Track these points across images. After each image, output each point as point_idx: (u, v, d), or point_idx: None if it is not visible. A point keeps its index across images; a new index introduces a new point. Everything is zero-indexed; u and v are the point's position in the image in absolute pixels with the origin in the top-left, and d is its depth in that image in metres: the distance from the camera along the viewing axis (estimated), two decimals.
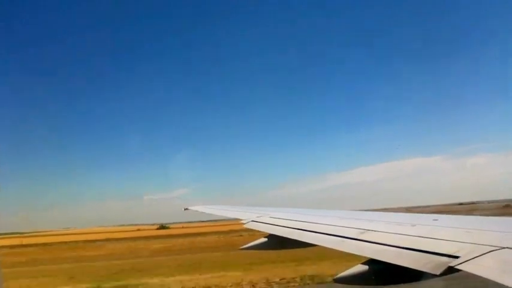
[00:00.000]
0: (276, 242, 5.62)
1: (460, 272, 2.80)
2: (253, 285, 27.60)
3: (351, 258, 3.94)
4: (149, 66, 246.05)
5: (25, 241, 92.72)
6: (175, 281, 30.53)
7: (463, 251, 2.94)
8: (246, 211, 8.16)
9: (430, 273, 2.90)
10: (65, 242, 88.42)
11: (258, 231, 6.41)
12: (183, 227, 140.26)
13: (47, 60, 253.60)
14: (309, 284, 27.31)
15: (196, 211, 11.81)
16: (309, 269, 30.76)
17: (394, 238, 3.82)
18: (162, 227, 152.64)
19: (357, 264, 3.72)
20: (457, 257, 2.88)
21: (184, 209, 12.38)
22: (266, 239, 5.82)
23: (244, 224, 7.07)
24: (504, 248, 2.79)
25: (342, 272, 3.74)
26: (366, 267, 3.62)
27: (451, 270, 2.82)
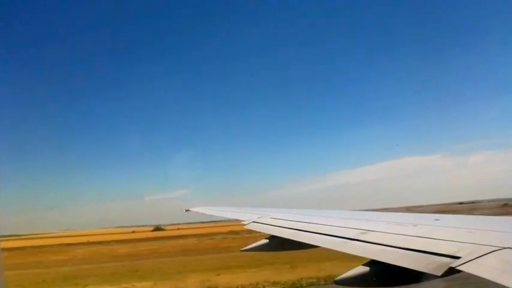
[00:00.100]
0: (277, 244, 5.60)
1: (461, 273, 2.80)
2: None
3: (349, 259, 3.96)
4: (149, 67, 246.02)
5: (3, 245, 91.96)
6: None
7: (464, 252, 2.94)
8: (247, 212, 8.15)
9: (431, 274, 2.89)
10: (39, 246, 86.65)
11: (258, 232, 6.41)
12: (178, 229, 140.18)
13: (47, 60, 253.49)
14: None
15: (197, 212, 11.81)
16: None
17: (395, 239, 3.82)
18: (158, 228, 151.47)
19: (358, 265, 3.72)
20: (458, 258, 2.88)
21: (186, 211, 12.36)
22: (267, 240, 5.82)
23: (245, 225, 7.06)
24: (506, 248, 2.79)
25: (342, 273, 3.74)
26: (367, 269, 3.62)
27: (452, 271, 2.81)
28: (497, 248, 2.81)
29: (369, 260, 3.70)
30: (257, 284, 29.91)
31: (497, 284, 2.37)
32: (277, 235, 5.64)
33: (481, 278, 2.51)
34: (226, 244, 66.06)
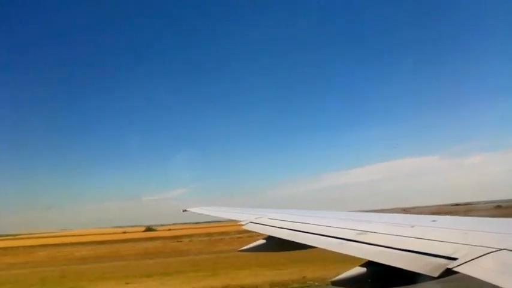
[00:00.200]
0: (275, 244, 5.60)
1: (457, 274, 2.81)
2: None
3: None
4: (148, 67, 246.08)
5: None
6: None
7: (461, 253, 2.95)
8: (244, 212, 8.15)
9: (428, 275, 2.90)
10: (5, 248, 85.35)
11: (255, 232, 6.41)
12: (170, 229, 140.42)
13: (47, 60, 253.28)
14: None
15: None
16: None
17: (392, 240, 3.82)
18: (149, 229, 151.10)
19: (355, 266, 3.73)
20: (455, 259, 2.89)
21: (183, 211, 12.32)
22: (265, 241, 5.81)
23: (242, 225, 7.06)
24: (502, 249, 2.80)
25: (339, 274, 3.75)
26: (363, 270, 3.62)
27: (448, 272, 2.82)
28: (494, 250, 2.82)
29: (365, 261, 3.71)
30: None
31: (494, 285, 2.38)
32: (275, 235, 5.64)
33: (478, 279, 2.52)
34: (189, 247, 66.65)
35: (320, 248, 4.57)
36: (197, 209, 11.71)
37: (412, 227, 4.17)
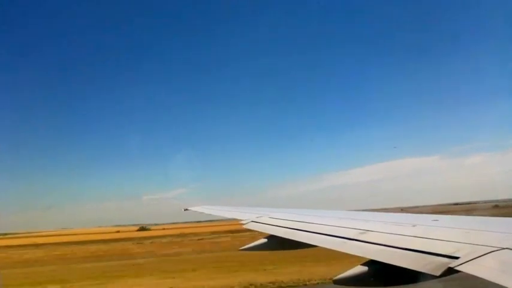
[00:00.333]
0: (276, 243, 5.61)
1: (459, 273, 2.82)
2: None
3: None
4: (148, 68, 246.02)
5: None
6: None
7: (462, 252, 2.96)
8: (246, 212, 8.16)
9: (429, 274, 2.91)
10: None
11: (256, 231, 6.42)
12: (164, 229, 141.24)
13: (46, 60, 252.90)
14: None
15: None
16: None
17: (394, 239, 3.83)
18: (143, 228, 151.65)
19: (357, 265, 3.74)
20: (456, 258, 2.90)
21: (184, 210, 12.36)
22: (266, 240, 5.83)
23: (243, 224, 7.07)
24: (504, 248, 2.81)
25: (341, 273, 3.76)
26: (365, 268, 3.63)
27: (450, 271, 2.83)
28: (495, 249, 2.83)
29: (367, 260, 3.72)
30: None
31: (496, 284, 2.39)
32: (276, 234, 5.65)
33: (480, 278, 2.53)
34: (144, 249, 67.09)
35: (321, 247, 4.59)
36: (198, 208, 11.74)
37: (413, 226, 4.18)
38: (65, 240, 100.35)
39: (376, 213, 6.33)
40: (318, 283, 28.56)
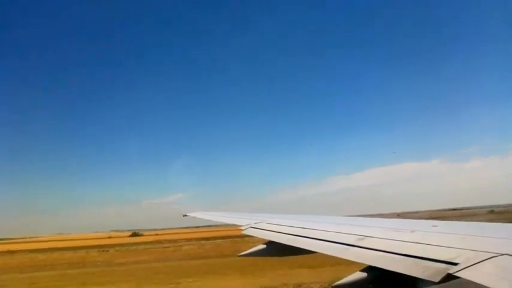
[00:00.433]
0: (275, 249, 5.60)
1: (459, 279, 2.82)
2: None
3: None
4: (149, 73, 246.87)
5: None
6: None
7: (462, 258, 2.96)
8: (245, 217, 8.15)
9: (429, 280, 2.91)
10: None
11: (254, 237, 6.41)
12: (156, 234, 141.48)
13: (48, 64, 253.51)
14: None
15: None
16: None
17: (393, 245, 3.83)
18: (135, 234, 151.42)
19: (356, 271, 3.74)
20: (456, 264, 2.90)
21: (183, 216, 12.33)
22: (265, 246, 5.82)
23: (242, 230, 7.06)
24: (503, 254, 2.81)
25: (340, 279, 3.76)
26: (364, 274, 3.63)
27: (449, 277, 2.83)
28: (495, 255, 2.83)
29: (366, 266, 3.72)
30: None
31: None
32: (275, 240, 5.65)
33: (479, 284, 2.53)
34: (103, 258, 65.44)
35: (320, 253, 4.59)
36: (197, 214, 11.71)
37: (412, 232, 4.18)
38: (38, 247, 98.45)
39: (375, 219, 6.33)
40: None
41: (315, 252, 4.73)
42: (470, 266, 2.79)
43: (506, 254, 2.80)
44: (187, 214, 12.21)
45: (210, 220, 10.49)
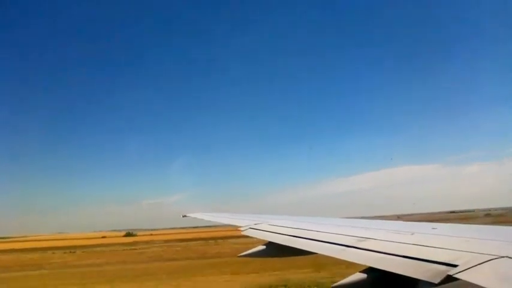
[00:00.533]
0: (275, 250, 5.62)
1: (458, 281, 2.83)
2: None
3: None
4: (149, 73, 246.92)
5: None
6: None
7: (461, 260, 2.97)
8: (245, 218, 8.16)
9: (428, 282, 2.93)
10: None
11: (256, 238, 6.41)
12: (151, 234, 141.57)
13: (47, 63, 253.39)
14: None
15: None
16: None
17: (393, 246, 3.84)
18: (129, 234, 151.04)
19: (356, 272, 3.75)
20: (455, 266, 2.91)
21: (183, 216, 12.32)
22: (265, 247, 5.83)
23: (242, 231, 7.07)
24: (503, 257, 2.83)
25: (340, 280, 3.77)
26: (364, 276, 3.64)
27: (449, 279, 2.84)
28: (494, 257, 2.85)
29: (366, 267, 3.73)
30: None
31: None
32: (275, 241, 5.66)
33: (479, 286, 2.55)
34: (68, 259, 64.82)
35: (320, 254, 4.60)
36: (197, 215, 11.70)
37: (412, 234, 4.20)
38: (21, 247, 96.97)
39: (375, 220, 6.35)
40: None
41: (315, 253, 4.74)
42: (469, 268, 2.80)
43: (506, 257, 2.82)
44: (187, 215, 12.20)
45: (209, 221, 10.49)
